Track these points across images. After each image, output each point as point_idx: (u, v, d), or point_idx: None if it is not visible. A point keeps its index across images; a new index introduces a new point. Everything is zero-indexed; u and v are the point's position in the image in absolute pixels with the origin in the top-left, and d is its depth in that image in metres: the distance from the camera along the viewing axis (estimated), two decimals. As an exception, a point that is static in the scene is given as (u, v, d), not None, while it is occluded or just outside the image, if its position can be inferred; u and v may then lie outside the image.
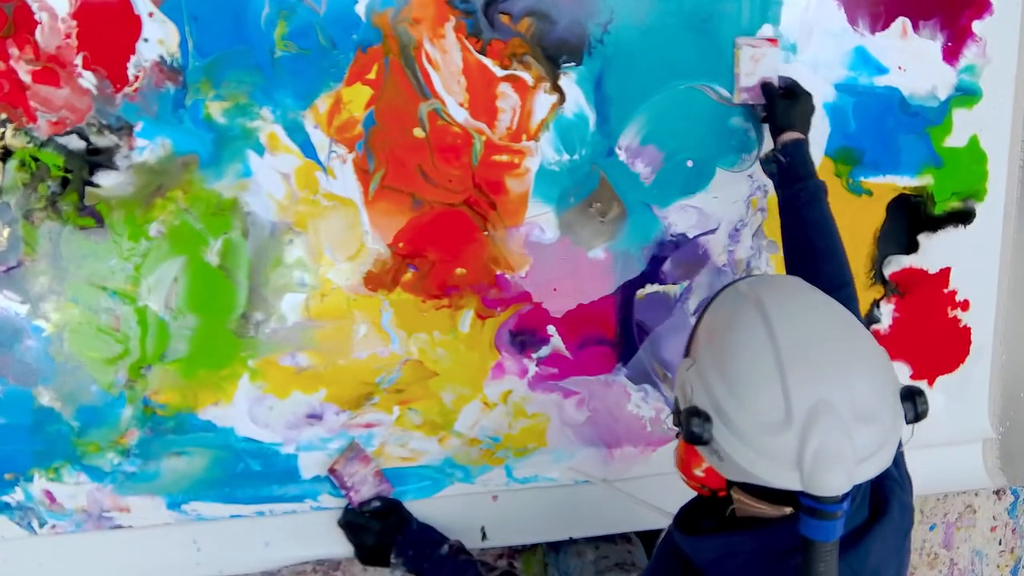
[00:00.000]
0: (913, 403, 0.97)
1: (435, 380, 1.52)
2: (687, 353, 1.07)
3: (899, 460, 1.15)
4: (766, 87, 1.52)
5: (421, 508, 1.54)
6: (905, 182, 1.69)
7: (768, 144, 1.53)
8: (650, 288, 1.58)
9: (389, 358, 1.49)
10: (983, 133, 1.72)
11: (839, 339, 0.97)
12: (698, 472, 1.05)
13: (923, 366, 1.79)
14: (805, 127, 1.50)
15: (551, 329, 1.55)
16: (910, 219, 1.71)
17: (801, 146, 1.44)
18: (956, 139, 1.71)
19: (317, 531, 1.52)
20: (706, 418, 0.95)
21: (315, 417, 1.48)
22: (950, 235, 1.74)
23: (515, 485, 1.60)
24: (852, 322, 1.01)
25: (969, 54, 1.68)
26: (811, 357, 0.93)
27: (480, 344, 1.53)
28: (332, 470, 1.48)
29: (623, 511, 1.61)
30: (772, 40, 1.53)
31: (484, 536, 1.59)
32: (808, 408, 0.90)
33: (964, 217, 1.75)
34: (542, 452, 1.60)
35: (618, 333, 1.59)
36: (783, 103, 1.48)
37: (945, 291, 1.77)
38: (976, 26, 1.68)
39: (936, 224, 1.73)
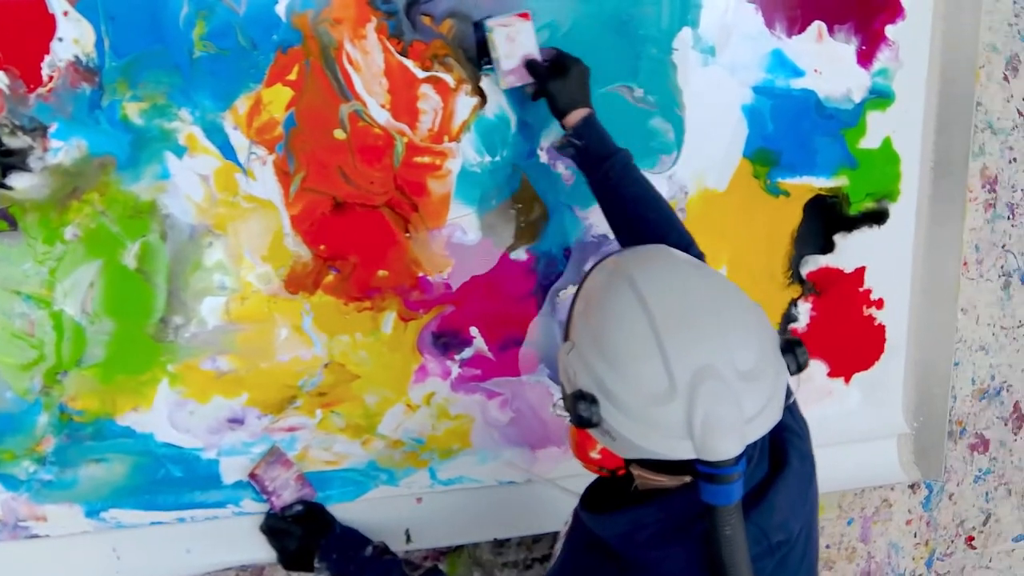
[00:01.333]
0: (794, 355, 1.01)
1: (358, 383, 1.58)
2: (565, 337, 1.10)
3: (793, 409, 1.18)
4: (531, 65, 1.46)
5: (345, 512, 1.59)
6: (821, 183, 1.81)
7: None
8: (572, 289, 1.65)
9: (311, 361, 1.55)
10: (896, 135, 1.85)
11: (712, 303, 1.00)
12: (594, 455, 1.08)
13: (840, 364, 1.92)
14: (586, 98, 1.45)
15: (474, 331, 1.63)
16: (826, 219, 1.83)
17: (591, 122, 1.43)
18: (870, 141, 1.83)
19: (239, 537, 1.56)
20: (592, 400, 0.98)
21: (236, 421, 1.53)
22: (865, 235, 1.87)
23: (439, 487, 1.67)
24: (723, 283, 1.05)
25: (882, 57, 1.81)
26: (687, 324, 0.97)
27: (403, 346, 1.59)
28: (253, 475, 1.54)
29: (550, 511, 1.66)
30: (523, 14, 1.49)
31: (408, 539, 1.65)
32: (690, 375, 0.94)
33: (878, 217, 1.88)
34: (467, 453, 1.67)
35: (540, 334, 1.67)
36: (556, 81, 1.44)
37: (860, 290, 1.90)
38: (889, 30, 1.80)
39: (851, 224, 1.86)
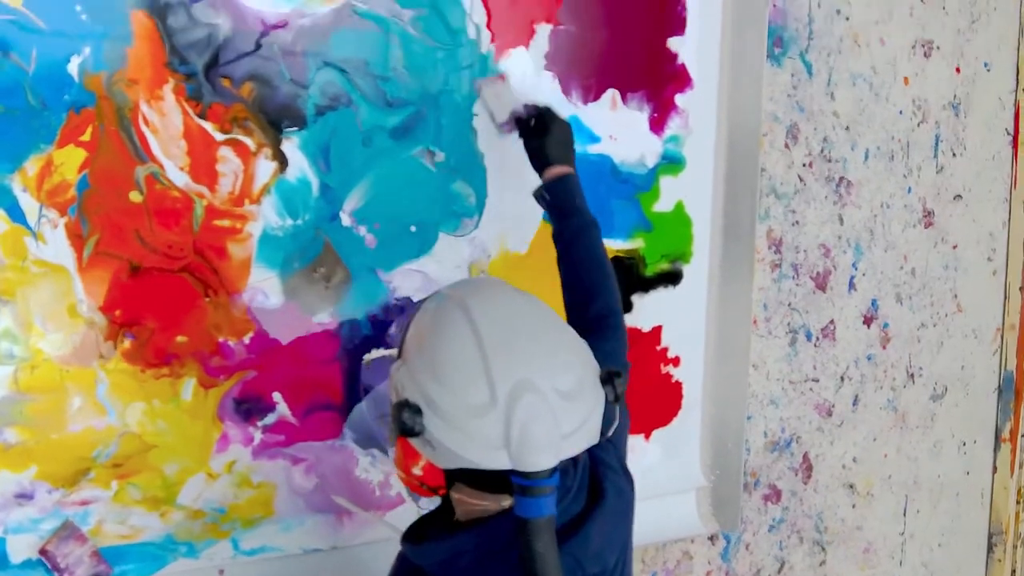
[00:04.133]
0: (612, 385, 1.18)
1: (155, 452, 1.64)
2: (399, 355, 1.24)
3: (622, 456, 1.38)
4: (517, 120, 1.77)
5: (143, 587, 1.65)
6: (619, 245, 2.05)
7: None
8: (376, 352, 1.80)
9: (106, 431, 1.60)
10: (688, 199, 2.12)
11: (538, 326, 1.16)
12: (416, 471, 1.17)
13: (639, 421, 2.13)
14: (568, 156, 1.68)
15: (277, 396, 1.73)
16: (623, 280, 2.02)
17: (564, 182, 1.63)
18: (663, 204, 2.09)
19: (30, 618, 1.58)
20: (416, 410, 1.10)
21: (25, 497, 1.57)
22: (661, 295, 2.12)
23: (243, 558, 1.75)
24: (551, 314, 1.21)
25: (673, 125, 2.08)
26: (511, 343, 1.12)
27: (203, 414, 1.68)
28: (44, 551, 1.57)
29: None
30: (500, 76, 1.83)
31: (210, 612, 1.72)
32: (511, 388, 1.08)
33: (673, 278, 2.13)
34: (270, 522, 1.76)
35: (345, 398, 1.80)
36: (535, 140, 1.67)
37: (658, 348, 2.14)
38: (679, 99, 2.08)
39: (648, 285, 2.10)
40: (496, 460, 1.09)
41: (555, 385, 1.11)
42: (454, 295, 1.21)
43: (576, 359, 1.17)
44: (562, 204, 1.63)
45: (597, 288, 1.56)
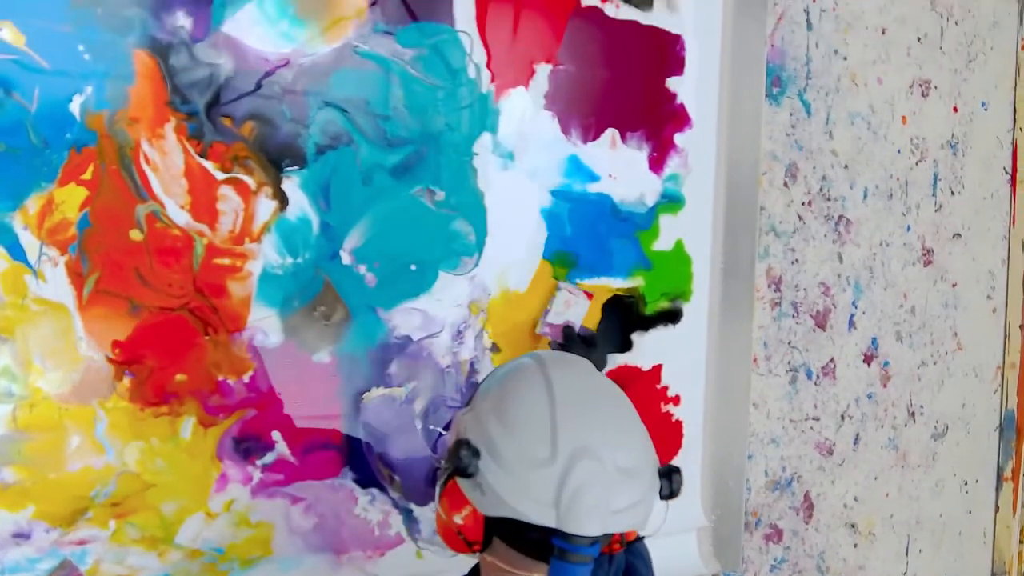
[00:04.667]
0: (669, 480, 1.20)
1: (154, 491, 1.64)
2: (467, 403, 1.27)
3: (648, 559, 1.37)
4: (567, 330, 1.86)
5: (138, 627, 1.64)
6: (618, 283, 2.06)
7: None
8: (376, 391, 1.81)
9: (104, 470, 1.60)
10: (687, 237, 2.13)
11: (611, 402, 1.20)
12: (458, 519, 1.17)
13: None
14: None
15: (276, 435, 1.74)
16: (624, 319, 2.06)
17: None
18: (663, 243, 2.10)
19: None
20: (475, 451, 1.13)
21: (22, 536, 1.56)
22: (661, 333, 2.12)
23: None
24: (625, 398, 1.23)
25: (672, 164, 2.10)
26: (582, 408, 1.15)
27: (202, 453, 1.68)
28: None
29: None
30: (588, 294, 1.91)
31: (207, 654, 1.72)
32: (573, 449, 1.10)
33: (673, 316, 2.14)
34: (268, 561, 1.75)
35: (344, 437, 1.80)
36: (579, 350, 1.72)
37: (658, 387, 2.14)
38: (678, 138, 2.09)
39: (648, 323, 2.11)
40: (543, 516, 1.10)
41: (615, 459, 1.12)
42: (536, 358, 1.26)
43: (641, 442, 1.19)
44: None
45: None
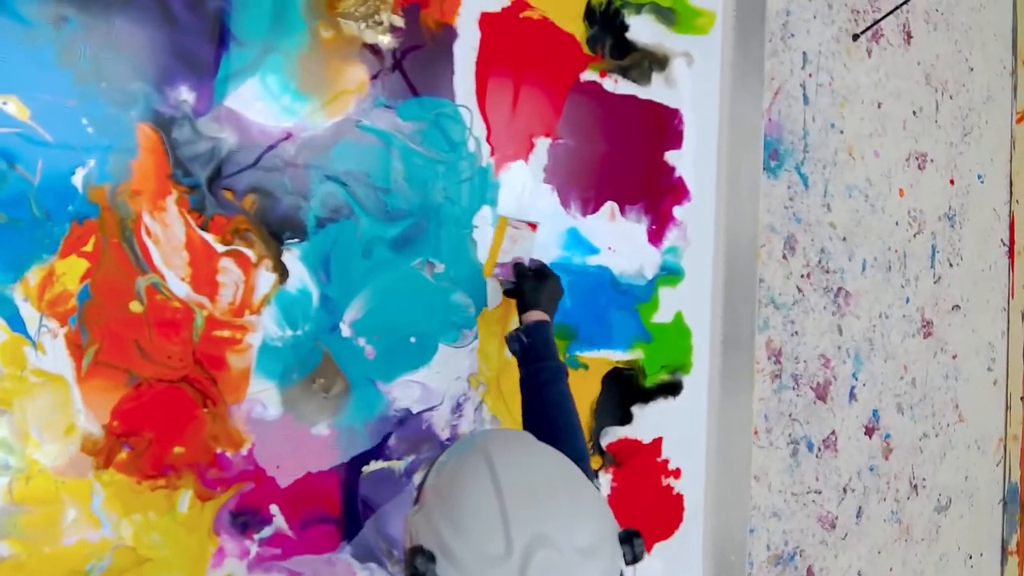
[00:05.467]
0: (631, 545, 1.18)
1: (150, 566, 1.62)
2: (416, 501, 1.25)
3: None
4: (518, 266, 1.83)
5: None
6: (618, 356, 2.06)
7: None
8: (375, 464, 1.80)
9: (100, 544, 1.58)
10: (687, 310, 2.14)
11: (559, 482, 1.16)
12: None
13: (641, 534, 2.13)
14: (551, 308, 1.76)
15: (274, 508, 1.72)
16: (623, 391, 2.06)
17: (544, 327, 1.69)
18: (663, 315, 2.11)
19: None
20: (430, 557, 1.10)
21: None
22: (661, 406, 2.12)
23: None
24: (574, 470, 1.21)
25: (671, 236, 2.11)
26: (532, 496, 1.12)
27: (199, 527, 1.66)
28: None
29: None
30: (532, 225, 1.88)
31: None
32: (528, 541, 1.07)
33: (673, 389, 2.14)
34: None
35: (343, 510, 1.78)
36: (532, 283, 1.76)
37: (658, 460, 2.13)
38: (677, 211, 2.11)
39: (647, 396, 2.10)
40: None
41: (572, 542, 1.10)
42: (478, 443, 1.24)
43: (596, 517, 1.16)
44: (540, 346, 1.67)
45: (566, 432, 1.58)
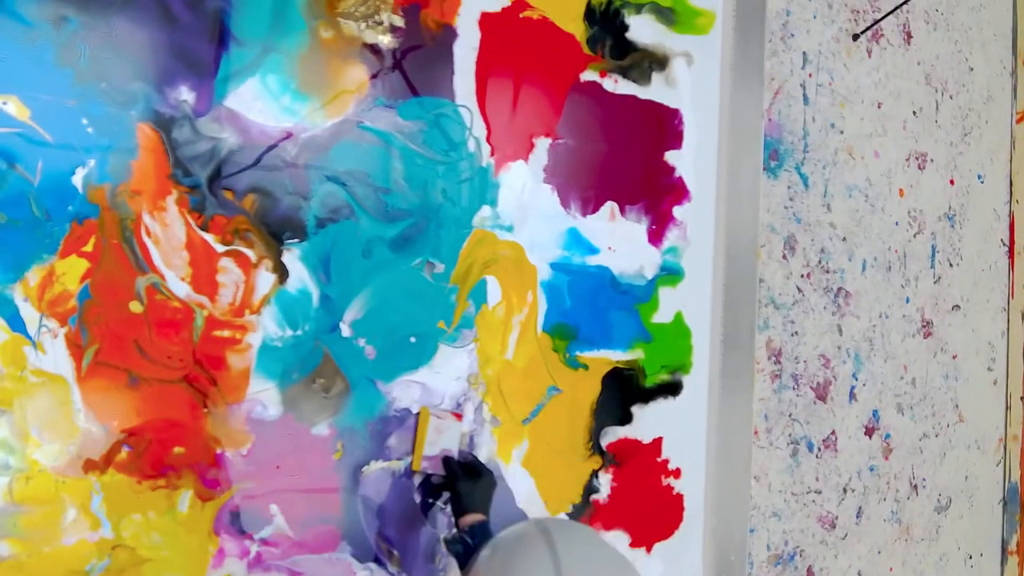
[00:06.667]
0: None
1: (149, 566, 1.61)
2: (461, 568, 1.26)
3: None
4: (447, 461, 1.76)
5: None
6: (618, 356, 2.05)
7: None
8: (375, 464, 1.79)
9: (99, 544, 1.58)
10: (687, 309, 2.13)
11: (616, 571, 1.16)
12: None
13: (641, 534, 2.10)
14: (485, 506, 1.68)
15: (274, 508, 1.71)
16: (623, 391, 2.06)
17: (485, 527, 1.61)
18: (663, 315, 2.10)
19: None
20: None
21: None
22: (661, 406, 2.11)
23: None
24: (630, 565, 1.20)
25: (671, 236, 2.10)
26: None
27: (199, 527, 1.65)
28: None
29: None
30: (457, 415, 1.84)
31: None
32: None
33: (673, 389, 2.13)
34: None
35: (343, 510, 1.77)
36: (466, 485, 1.68)
37: (658, 460, 2.12)
38: (677, 211, 2.10)
39: (648, 396, 2.10)
40: None
41: None
42: (540, 524, 1.23)
43: None
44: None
45: None
